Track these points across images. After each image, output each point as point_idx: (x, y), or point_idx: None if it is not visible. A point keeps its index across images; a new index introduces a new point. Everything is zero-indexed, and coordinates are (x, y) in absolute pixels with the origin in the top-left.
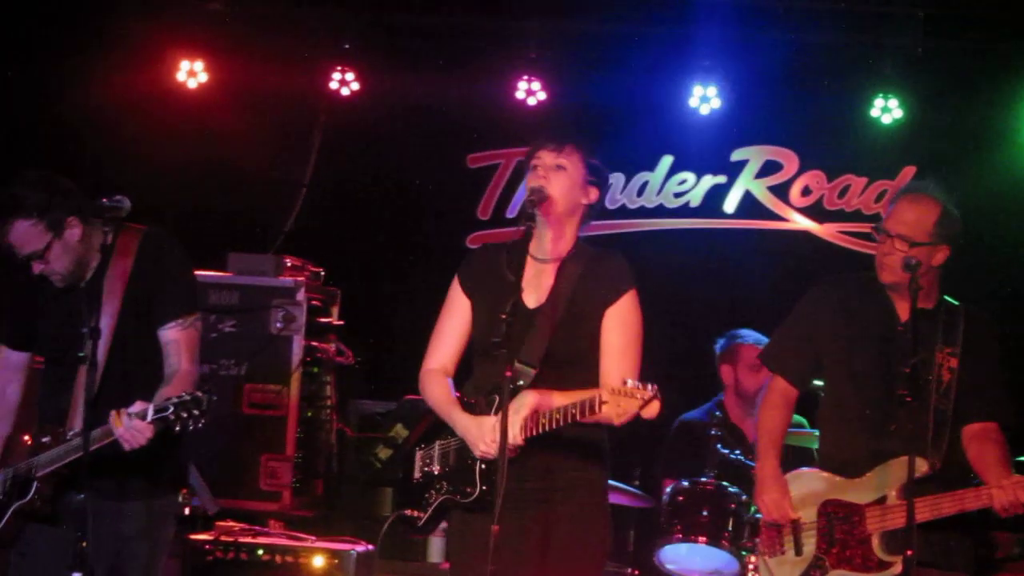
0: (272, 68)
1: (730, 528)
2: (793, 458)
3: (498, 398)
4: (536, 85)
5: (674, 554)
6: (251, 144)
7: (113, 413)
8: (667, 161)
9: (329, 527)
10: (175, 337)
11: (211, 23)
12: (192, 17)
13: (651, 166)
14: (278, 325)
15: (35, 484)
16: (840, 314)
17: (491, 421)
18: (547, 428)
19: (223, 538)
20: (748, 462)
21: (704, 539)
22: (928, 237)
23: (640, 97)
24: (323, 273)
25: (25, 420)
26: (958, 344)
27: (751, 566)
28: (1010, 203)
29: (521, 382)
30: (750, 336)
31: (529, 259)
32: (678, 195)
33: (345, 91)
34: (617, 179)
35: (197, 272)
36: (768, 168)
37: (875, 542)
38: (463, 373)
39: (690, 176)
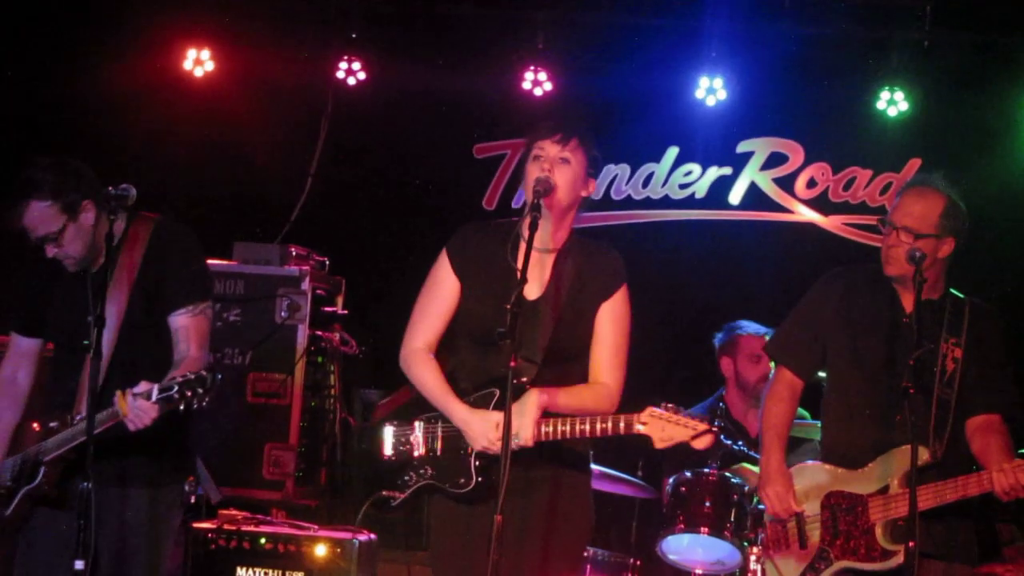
0: (279, 57)
1: (733, 519)
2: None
3: (497, 392)
4: (543, 76)
5: (677, 545)
6: (257, 133)
7: (118, 393)
8: (673, 152)
9: (332, 516)
10: (184, 324)
11: (218, 12)
12: (199, 6)
13: (657, 157)
14: (283, 314)
15: (43, 468)
16: (846, 306)
17: (495, 418)
18: (567, 436)
19: (226, 527)
20: (752, 454)
21: (707, 530)
22: (933, 229)
23: (646, 88)
24: (328, 262)
25: (36, 407)
26: (963, 335)
27: (753, 557)
28: (1016, 196)
29: (524, 378)
30: (749, 327)
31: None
32: (683, 186)
33: (352, 81)
34: (623, 170)
35: None
36: (774, 160)
37: (878, 531)
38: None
39: (696, 168)
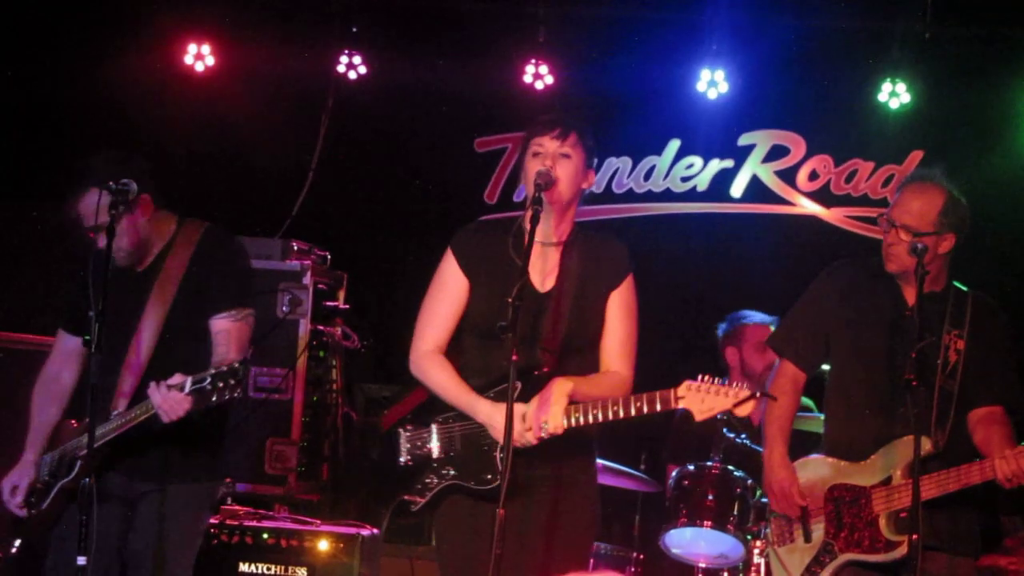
0: (279, 52)
1: (736, 513)
2: (800, 444)
3: (519, 385)
4: (544, 69)
5: (679, 538)
6: (258, 128)
7: (152, 384)
8: (674, 145)
9: (334, 511)
10: (226, 327)
11: (219, 6)
12: (200, 0)
13: (658, 150)
14: (284, 309)
15: (79, 464)
16: (848, 299)
17: (521, 410)
18: (599, 420)
19: (228, 522)
20: (754, 447)
21: (709, 523)
22: (933, 227)
23: (648, 81)
24: (329, 257)
25: (77, 406)
26: (966, 327)
27: (756, 551)
28: (1017, 188)
29: (546, 368)
30: (754, 316)
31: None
32: (685, 179)
33: (352, 75)
34: (624, 163)
35: None
36: (775, 152)
37: (882, 523)
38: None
39: (697, 160)
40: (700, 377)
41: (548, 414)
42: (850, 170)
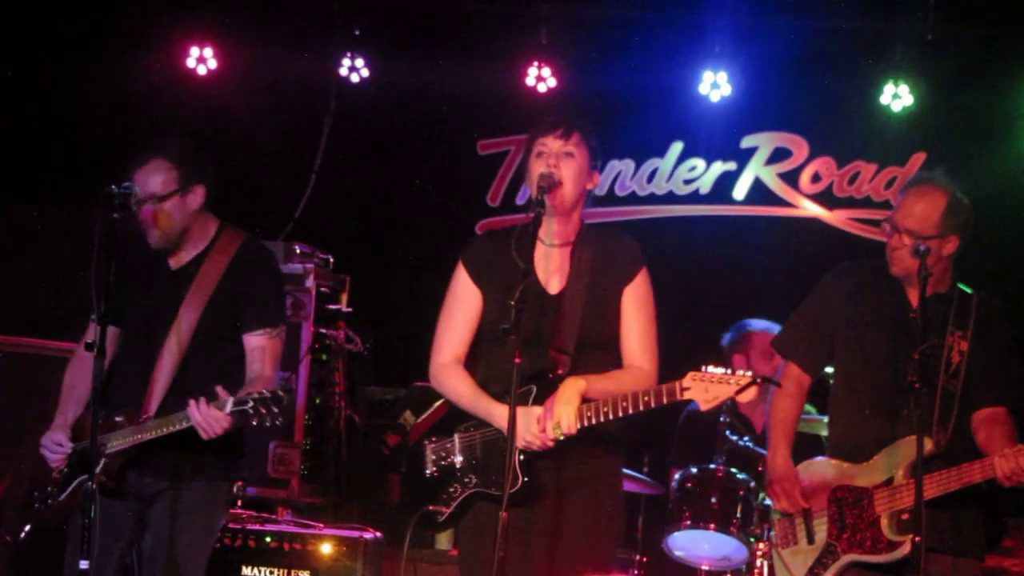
0: (282, 54)
1: (739, 515)
2: (803, 446)
3: (535, 388)
4: (546, 71)
5: (683, 540)
6: (260, 130)
7: (192, 402)
8: (677, 148)
9: (338, 514)
10: (262, 344)
11: (221, 9)
12: (202, 3)
13: (661, 153)
14: (287, 312)
15: (104, 460)
16: (852, 301)
17: (535, 412)
18: (610, 417)
19: (231, 525)
20: (758, 449)
21: (713, 526)
22: (936, 230)
23: (650, 83)
24: (332, 260)
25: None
26: (970, 328)
27: (760, 553)
28: (1020, 189)
29: (560, 370)
30: (760, 324)
31: (538, 243)
32: (688, 182)
33: (355, 78)
34: (627, 166)
35: None
36: (778, 155)
37: (884, 523)
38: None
39: (700, 163)
40: (703, 367)
41: (561, 414)
42: (853, 172)
